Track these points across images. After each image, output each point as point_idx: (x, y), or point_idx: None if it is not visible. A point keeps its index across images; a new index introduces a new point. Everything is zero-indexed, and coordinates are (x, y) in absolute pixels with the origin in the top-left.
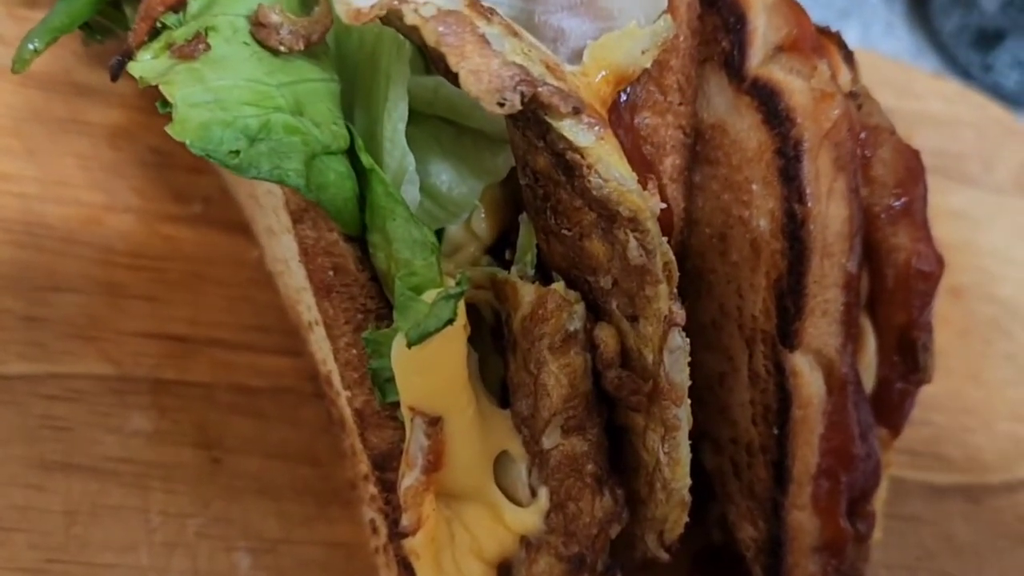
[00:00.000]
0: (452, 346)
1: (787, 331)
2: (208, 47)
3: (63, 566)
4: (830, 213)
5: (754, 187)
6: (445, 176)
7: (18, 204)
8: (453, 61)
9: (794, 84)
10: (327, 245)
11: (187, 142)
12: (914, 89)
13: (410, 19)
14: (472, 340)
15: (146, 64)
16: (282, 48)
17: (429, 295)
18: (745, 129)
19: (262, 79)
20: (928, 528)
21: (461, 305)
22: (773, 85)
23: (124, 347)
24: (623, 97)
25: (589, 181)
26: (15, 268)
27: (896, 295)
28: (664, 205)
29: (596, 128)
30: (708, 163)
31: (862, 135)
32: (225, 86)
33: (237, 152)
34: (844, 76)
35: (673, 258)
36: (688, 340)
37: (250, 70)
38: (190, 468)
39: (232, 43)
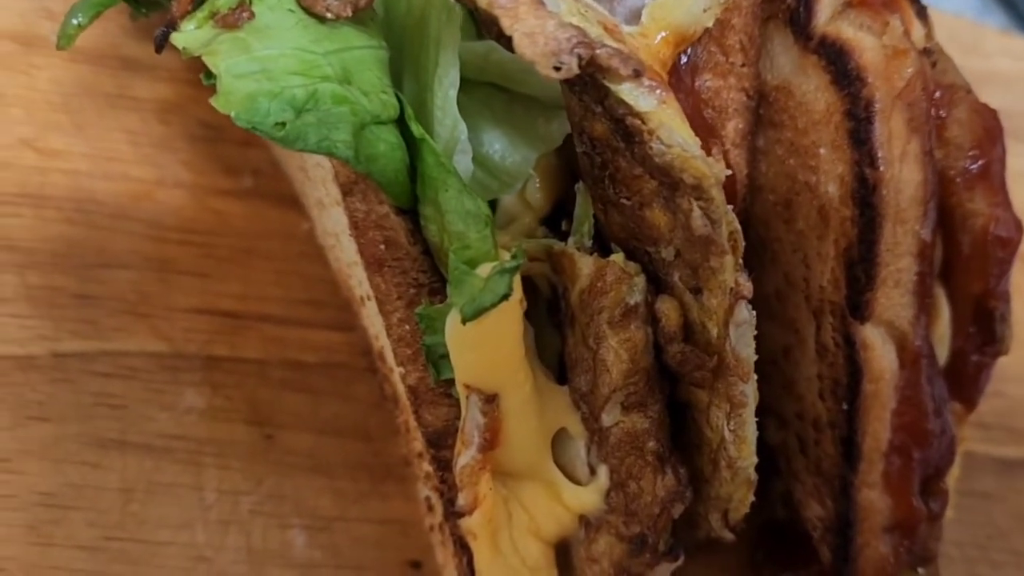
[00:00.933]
0: (508, 321)
1: (858, 302)
2: (252, 15)
3: (120, 543)
4: (903, 177)
5: (822, 151)
6: (498, 145)
7: (68, 181)
8: (507, 24)
9: (865, 41)
10: (378, 218)
11: (232, 114)
12: (982, 47)
13: None
14: (528, 314)
15: (189, 35)
16: (329, 15)
17: (484, 269)
18: (812, 90)
19: (309, 47)
20: (999, 505)
21: (517, 279)
22: (842, 43)
23: (176, 323)
24: (683, 59)
25: (651, 147)
26: (66, 245)
27: (972, 263)
28: (729, 172)
29: (658, 92)
30: (772, 126)
31: (937, 94)
32: (271, 55)
33: (283, 124)
34: (917, 32)
35: (739, 227)
36: (754, 313)
37: (296, 38)
38: (243, 445)
39: (277, 10)
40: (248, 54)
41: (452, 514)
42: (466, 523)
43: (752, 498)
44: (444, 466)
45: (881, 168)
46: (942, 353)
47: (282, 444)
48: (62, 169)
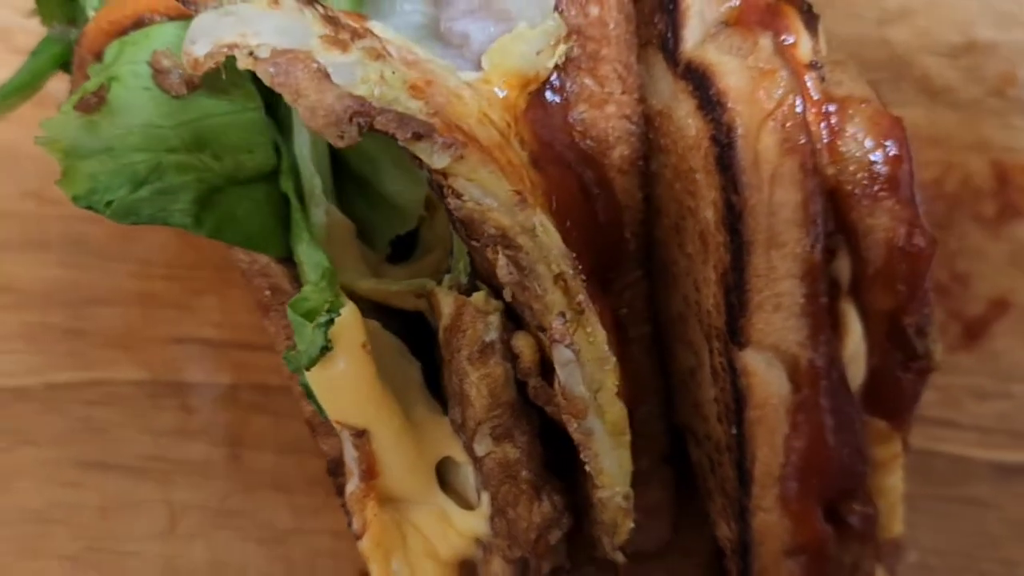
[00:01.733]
0: (355, 365)
1: (734, 328)
2: (103, 100)
3: (98, 555)
4: (776, 200)
5: (697, 176)
6: (395, 184)
7: (61, 226)
8: (290, 99)
9: (728, 65)
10: (261, 267)
11: (70, 196)
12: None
13: (242, 63)
14: (427, 347)
15: (55, 122)
16: (172, 92)
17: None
18: (684, 116)
19: (158, 122)
20: (994, 513)
21: (356, 325)
22: (705, 68)
23: (156, 353)
24: (552, 96)
25: (449, 201)
26: (59, 285)
27: (878, 279)
28: (536, 220)
29: (452, 148)
30: (660, 151)
31: (829, 108)
32: (118, 135)
33: (112, 202)
34: (804, 46)
35: (568, 269)
36: (575, 352)
37: (147, 115)
38: (211, 464)
39: (133, 90)
40: (96, 135)
41: (355, 536)
42: (360, 546)
43: (631, 524)
44: (340, 492)
45: (745, 194)
46: (858, 372)
47: (247, 463)
48: (55, 215)
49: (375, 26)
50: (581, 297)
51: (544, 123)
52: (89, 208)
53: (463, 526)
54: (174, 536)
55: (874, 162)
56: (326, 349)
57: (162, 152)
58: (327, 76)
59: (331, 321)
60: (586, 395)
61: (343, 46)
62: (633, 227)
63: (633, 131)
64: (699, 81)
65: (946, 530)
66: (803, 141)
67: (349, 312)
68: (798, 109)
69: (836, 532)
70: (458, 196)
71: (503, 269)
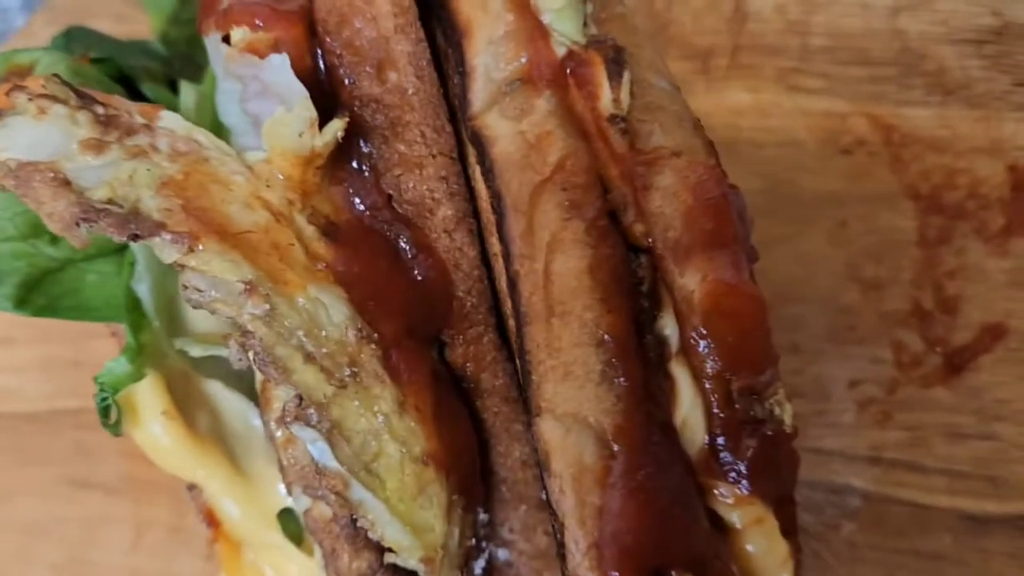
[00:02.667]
0: (162, 433)
1: (525, 396)
2: None
3: (79, 564)
4: (555, 269)
5: (494, 241)
6: None
7: None
8: (33, 207)
9: (500, 130)
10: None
11: None
12: None
13: None
14: None
15: None
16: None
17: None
18: (479, 182)
19: None
20: (954, 569)
21: (156, 395)
22: (483, 135)
23: None
24: (361, 165)
25: (188, 296)
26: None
27: (698, 343)
28: (275, 304)
29: (180, 243)
30: None
31: (638, 164)
32: None
33: None
34: (605, 99)
35: (285, 350)
36: (316, 433)
37: None
38: (174, 486)
39: None
40: None
41: None
42: None
43: None
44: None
45: (515, 264)
46: (694, 436)
47: None
48: None
49: (166, 118)
50: (350, 371)
51: (356, 192)
52: None
53: (301, 571)
54: (142, 548)
55: (685, 218)
56: (113, 426)
57: None
58: (66, 183)
59: (106, 401)
60: (341, 470)
61: (99, 149)
62: (468, 284)
63: (455, 191)
64: (480, 148)
65: None
66: (594, 201)
67: (146, 384)
68: (576, 172)
69: None
70: (187, 288)
71: (232, 354)
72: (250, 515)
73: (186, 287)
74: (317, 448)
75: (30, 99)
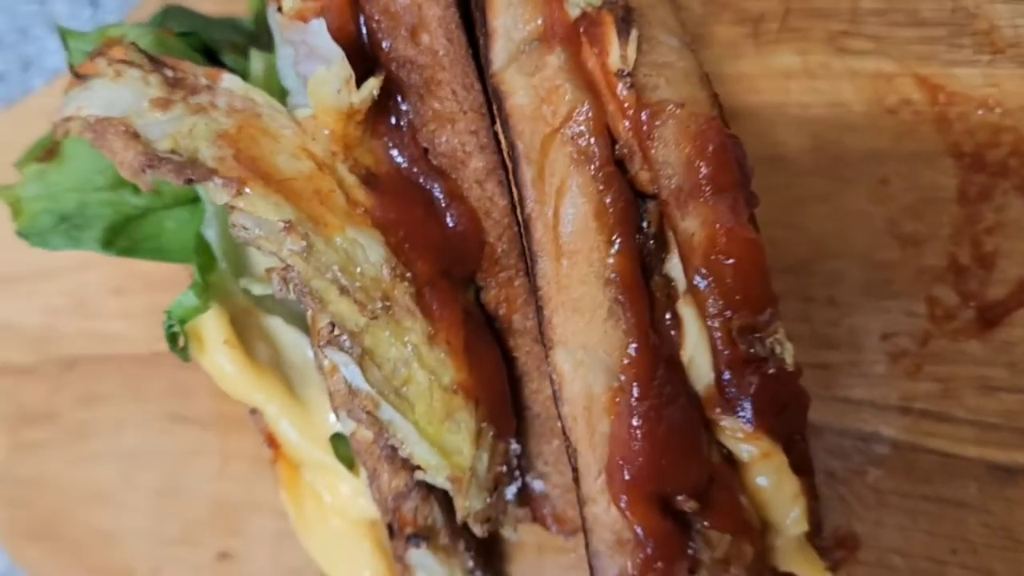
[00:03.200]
0: (222, 362)
1: (540, 330)
2: (56, 152)
3: (174, 490)
4: (563, 213)
5: (513, 190)
6: None
7: None
8: (109, 157)
9: (516, 84)
10: None
11: (17, 230)
12: None
13: (74, 132)
14: None
15: (29, 173)
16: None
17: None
18: (500, 134)
19: (89, 167)
20: (978, 516)
21: (217, 327)
22: (501, 90)
23: None
24: (399, 121)
25: (236, 233)
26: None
27: (695, 284)
28: (313, 242)
29: (230, 187)
30: None
31: (643, 115)
32: (58, 180)
33: (40, 234)
34: (614, 55)
35: (321, 283)
36: (353, 353)
37: (83, 162)
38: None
39: (78, 142)
40: (43, 181)
41: None
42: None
43: (472, 501)
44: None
45: (528, 208)
46: (701, 373)
47: None
48: None
49: (227, 79)
50: (382, 304)
51: (395, 145)
52: (26, 239)
53: (353, 491)
54: (223, 478)
55: (686, 166)
56: (180, 351)
57: (89, 191)
58: (135, 136)
59: (179, 323)
60: (371, 391)
61: (166, 106)
62: (499, 231)
63: (485, 144)
64: (498, 102)
65: (917, 530)
66: (602, 150)
67: (211, 316)
68: (584, 123)
69: (678, 526)
70: (241, 226)
71: (275, 286)
72: (305, 438)
73: (234, 225)
74: (350, 371)
75: (109, 64)
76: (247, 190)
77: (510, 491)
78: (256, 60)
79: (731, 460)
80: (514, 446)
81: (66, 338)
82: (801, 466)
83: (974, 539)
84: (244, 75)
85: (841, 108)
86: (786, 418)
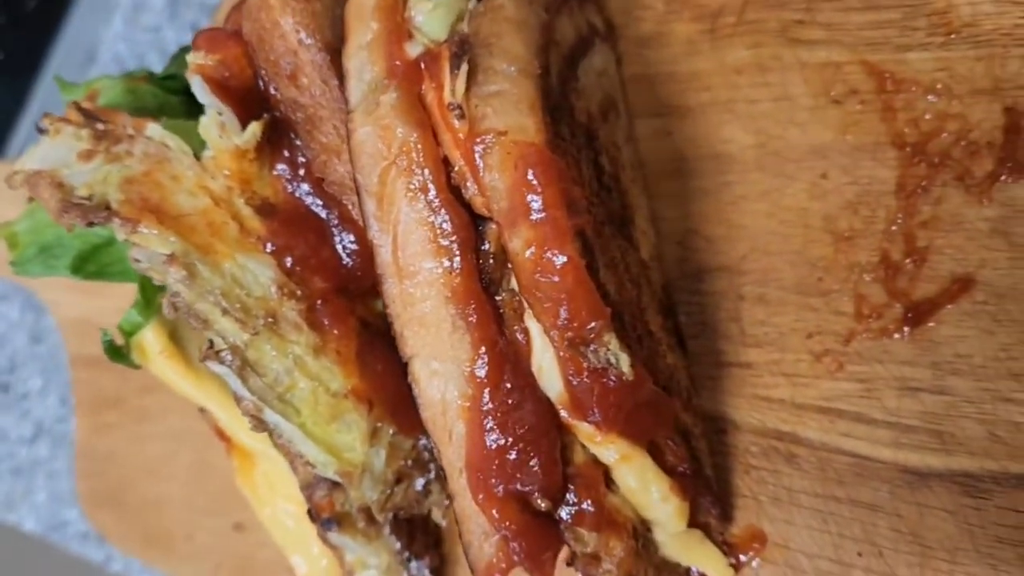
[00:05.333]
0: (164, 367)
1: (397, 343)
2: None
3: (204, 466)
4: (402, 239)
5: None
6: None
7: None
8: (42, 204)
9: (358, 123)
10: None
11: (9, 262)
12: None
13: (17, 184)
14: None
15: (25, 212)
16: None
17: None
18: None
19: None
20: (887, 520)
21: (155, 338)
22: (348, 128)
23: None
24: (295, 155)
25: (134, 265)
26: None
27: (528, 301)
28: (195, 270)
29: (128, 225)
30: None
31: (473, 144)
32: (42, 216)
33: (23, 263)
34: (446, 88)
35: (205, 306)
36: (226, 368)
37: None
38: None
39: None
40: (32, 220)
41: None
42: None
43: (365, 492)
44: None
45: (371, 235)
46: (551, 381)
47: None
48: None
49: (150, 128)
50: (264, 321)
51: (292, 177)
52: (13, 268)
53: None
54: None
55: (510, 190)
56: (116, 354)
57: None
58: (60, 185)
59: (125, 336)
60: (252, 398)
61: (89, 157)
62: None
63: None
64: (348, 141)
65: (826, 532)
66: (429, 183)
67: (150, 329)
68: (414, 155)
69: (544, 523)
70: (132, 259)
71: (165, 308)
72: (244, 432)
73: (131, 258)
74: (232, 381)
75: (51, 123)
76: (141, 228)
77: (419, 483)
78: None
79: (598, 461)
80: (424, 441)
81: None
82: (676, 467)
83: (882, 543)
84: None
85: (787, 102)
86: (640, 422)
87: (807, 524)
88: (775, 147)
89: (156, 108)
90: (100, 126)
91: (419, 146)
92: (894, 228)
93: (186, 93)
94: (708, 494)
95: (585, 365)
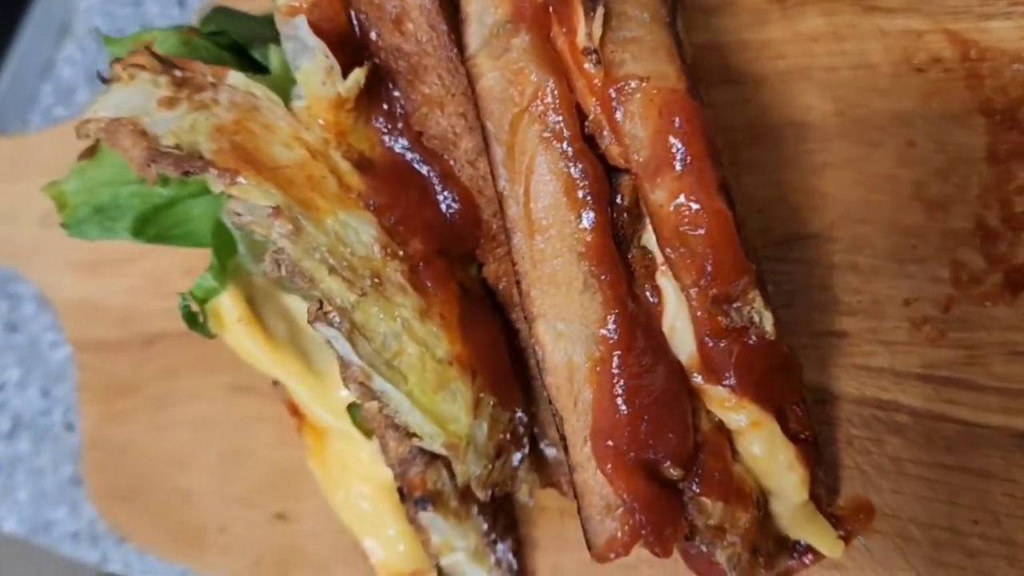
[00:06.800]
0: (242, 336)
1: (523, 303)
2: (95, 150)
3: (237, 455)
4: (534, 190)
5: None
6: None
7: None
8: (122, 156)
9: (485, 68)
10: None
11: (61, 223)
12: None
13: (92, 134)
14: None
15: (73, 170)
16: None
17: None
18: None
19: (120, 163)
20: (1000, 486)
21: (232, 305)
22: (473, 73)
23: None
24: (392, 107)
25: (232, 219)
26: None
27: (670, 254)
28: (300, 226)
29: (225, 176)
30: None
31: (610, 90)
32: (94, 175)
33: (78, 224)
34: (580, 32)
35: (310, 263)
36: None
37: (116, 158)
38: None
39: None
40: (82, 177)
41: None
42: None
43: (470, 467)
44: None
45: (500, 187)
46: (683, 342)
47: None
48: None
49: (232, 77)
50: (371, 282)
51: (389, 130)
52: (67, 230)
53: (371, 456)
54: (281, 445)
55: (653, 139)
56: (194, 322)
57: (120, 185)
58: (142, 134)
59: (199, 303)
60: (362, 363)
61: (172, 104)
62: (493, 208)
63: (474, 125)
64: (471, 85)
65: (937, 500)
66: (562, 131)
67: (227, 296)
68: (550, 101)
69: (669, 493)
70: (236, 212)
71: (268, 265)
72: (322, 408)
73: (229, 211)
74: (340, 345)
75: (124, 68)
76: (240, 179)
77: (516, 458)
78: (274, 54)
79: (723, 428)
80: (520, 415)
81: (147, 316)
82: (799, 433)
83: (997, 509)
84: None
85: (868, 70)
86: (772, 386)
87: (916, 493)
88: (857, 114)
89: (212, 62)
90: (178, 73)
91: (555, 92)
92: (988, 194)
93: (233, 49)
94: (820, 464)
95: (724, 324)
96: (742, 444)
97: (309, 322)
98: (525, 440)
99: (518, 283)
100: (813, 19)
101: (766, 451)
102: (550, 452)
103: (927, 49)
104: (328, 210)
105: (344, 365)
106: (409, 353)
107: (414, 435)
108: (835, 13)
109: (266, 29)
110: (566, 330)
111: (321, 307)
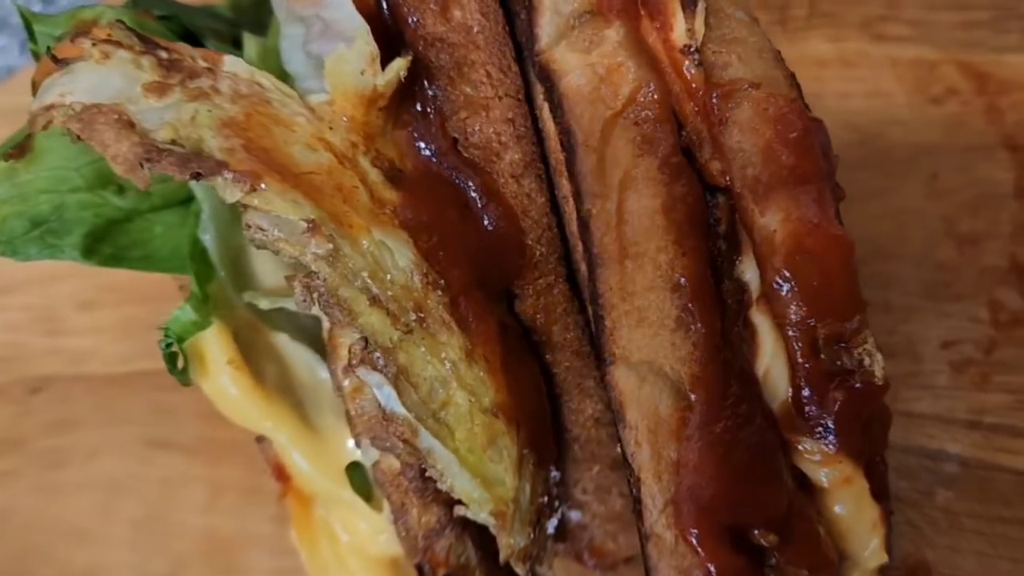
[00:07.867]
0: (228, 383)
1: (597, 344)
2: (28, 149)
3: (156, 522)
4: (628, 208)
5: (564, 183)
6: None
7: None
8: (99, 151)
9: (569, 63)
10: None
11: None
12: None
13: (58, 121)
14: None
15: None
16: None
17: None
18: (546, 120)
19: (65, 165)
20: None
21: (219, 344)
22: (551, 69)
23: None
24: (426, 108)
25: (251, 236)
26: (147, 283)
27: (778, 288)
28: (338, 245)
29: (245, 181)
30: None
31: (713, 96)
32: (29, 180)
33: (10, 241)
34: (679, 29)
35: (347, 296)
36: (385, 370)
37: (58, 159)
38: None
39: (52, 138)
40: (11, 181)
41: None
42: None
43: (515, 539)
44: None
45: (587, 203)
46: (777, 388)
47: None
48: None
49: (229, 62)
50: (416, 316)
51: (421, 136)
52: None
53: (373, 527)
54: (212, 510)
55: (765, 154)
56: (174, 365)
57: (65, 192)
58: (129, 125)
59: (177, 341)
60: (408, 416)
61: (162, 91)
62: (538, 232)
63: (522, 134)
64: (547, 83)
65: (998, 557)
66: (667, 136)
67: (212, 333)
68: (649, 105)
69: (752, 562)
70: (258, 228)
71: (298, 296)
72: (318, 469)
73: (249, 227)
74: (384, 393)
75: (94, 44)
76: (262, 185)
77: (551, 524)
78: (250, 44)
79: (805, 486)
80: (553, 474)
81: (32, 357)
82: (880, 491)
83: None
84: None
85: (883, 99)
86: (869, 438)
87: (975, 549)
88: (878, 145)
89: None
90: (163, 54)
91: (655, 94)
92: (1021, 232)
93: (184, 39)
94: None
95: (828, 368)
96: (826, 503)
97: (350, 365)
98: (557, 503)
99: (599, 319)
100: (819, 44)
101: (852, 511)
102: (573, 516)
103: (941, 80)
104: (363, 227)
105: (384, 419)
106: (457, 403)
107: (457, 502)
108: (842, 39)
109: (209, 20)
110: (651, 376)
111: (366, 346)
